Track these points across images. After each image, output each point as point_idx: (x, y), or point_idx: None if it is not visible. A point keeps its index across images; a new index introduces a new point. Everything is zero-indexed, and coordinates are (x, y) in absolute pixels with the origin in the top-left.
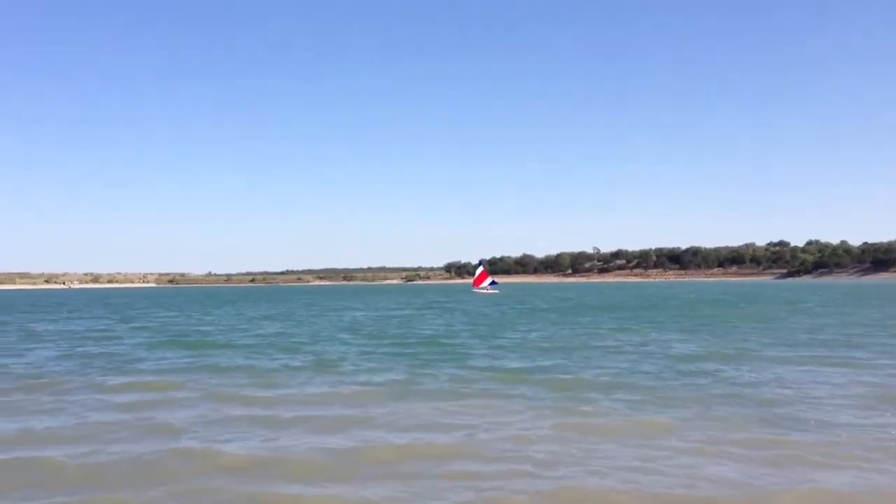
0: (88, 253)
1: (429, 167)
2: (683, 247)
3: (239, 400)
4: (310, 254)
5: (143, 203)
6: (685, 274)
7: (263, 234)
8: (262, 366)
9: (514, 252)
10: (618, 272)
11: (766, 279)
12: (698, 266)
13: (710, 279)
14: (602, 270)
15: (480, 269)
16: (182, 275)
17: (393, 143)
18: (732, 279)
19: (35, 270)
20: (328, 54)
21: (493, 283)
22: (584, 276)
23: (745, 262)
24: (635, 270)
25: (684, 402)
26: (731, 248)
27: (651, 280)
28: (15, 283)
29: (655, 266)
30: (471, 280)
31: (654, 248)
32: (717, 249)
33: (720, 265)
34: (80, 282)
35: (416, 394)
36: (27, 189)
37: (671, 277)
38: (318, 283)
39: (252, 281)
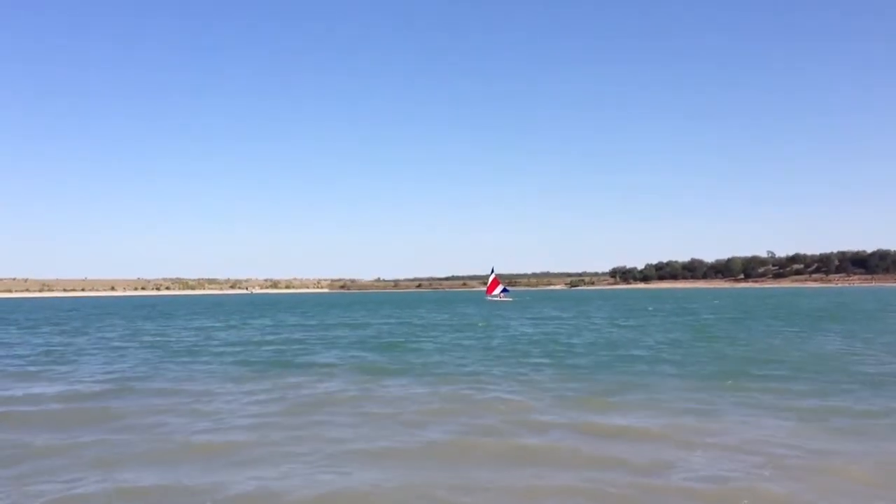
0: (268, 260)
1: (593, 174)
2: (870, 250)
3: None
4: (474, 258)
5: (318, 214)
6: (872, 279)
7: (430, 240)
8: None
9: (683, 256)
10: (795, 277)
11: None
12: (886, 270)
13: None
14: (777, 276)
15: (493, 276)
16: (353, 280)
17: (556, 151)
18: None
19: (222, 276)
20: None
21: (504, 290)
22: (757, 281)
23: None
24: (814, 275)
25: None
26: None
27: (833, 286)
28: (204, 289)
29: (838, 271)
30: (635, 286)
31: (836, 251)
32: None
33: None
34: (261, 287)
35: None
36: (219, 203)
37: (856, 283)
38: (482, 288)
39: (418, 286)
